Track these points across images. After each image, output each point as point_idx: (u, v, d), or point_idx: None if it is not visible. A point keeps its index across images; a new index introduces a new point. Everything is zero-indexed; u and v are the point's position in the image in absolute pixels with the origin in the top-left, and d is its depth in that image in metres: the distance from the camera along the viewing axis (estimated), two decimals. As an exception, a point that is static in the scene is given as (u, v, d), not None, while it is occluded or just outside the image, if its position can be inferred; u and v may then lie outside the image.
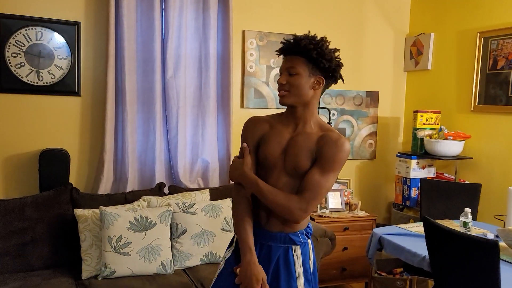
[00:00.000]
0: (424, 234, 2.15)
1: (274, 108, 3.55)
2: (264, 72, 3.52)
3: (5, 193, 2.85)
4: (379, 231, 2.59)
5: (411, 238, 2.48)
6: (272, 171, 1.64)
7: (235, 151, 3.41)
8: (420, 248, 2.28)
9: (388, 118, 4.04)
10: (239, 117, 3.46)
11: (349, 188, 3.68)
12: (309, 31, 1.64)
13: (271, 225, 1.65)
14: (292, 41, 1.60)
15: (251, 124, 1.71)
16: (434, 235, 2.04)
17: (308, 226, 1.71)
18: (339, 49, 1.67)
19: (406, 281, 2.87)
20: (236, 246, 1.69)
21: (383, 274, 3.36)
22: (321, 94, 1.68)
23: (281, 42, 1.65)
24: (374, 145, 4.00)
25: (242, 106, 3.50)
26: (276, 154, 1.63)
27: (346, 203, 3.51)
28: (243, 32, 3.44)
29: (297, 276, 1.63)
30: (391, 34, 3.98)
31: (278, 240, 1.64)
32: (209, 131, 3.30)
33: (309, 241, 1.72)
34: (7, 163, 2.85)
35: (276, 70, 3.56)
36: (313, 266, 1.72)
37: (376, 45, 3.93)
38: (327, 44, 1.61)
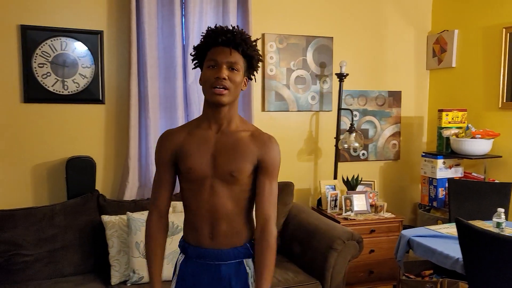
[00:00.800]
0: (455, 236, 2.10)
1: (295, 110, 3.54)
2: (284, 74, 3.50)
3: (34, 201, 2.90)
4: (408, 233, 2.54)
5: (442, 240, 2.42)
6: (203, 182, 1.45)
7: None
8: (453, 250, 2.22)
9: (411, 117, 3.98)
10: (260, 121, 3.45)
11: (374, 189, 3.63)
12: (233, 26, 1.47)
13: (217, 242, 1.47)
14: (236, 33, 1.42)
15: (161, 141, 1.50)
16: (467, 236, 1.99)
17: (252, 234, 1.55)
18: (257, 38, 1.58)
19: (437, 283, 2.80)
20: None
21: (411, 276, 3.30)
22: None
23: (219, 31, 1.42)
24: (398, 146, 3.94)
25: (263, 109, 3.49)
26: (203, 163, 1.44)
27: (371, 205, 3.46)
28: (263, 35, 3.44)
29: None
30: (412, 32, 3.92)
31: (227, 257, 1.47)
32: (231, 135, 3.30)
33: None
34: (35, 172, 2.90)
35: (297, 73, 3.54)
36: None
37: (397, 44, 3.87)
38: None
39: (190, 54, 1.54)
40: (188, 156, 1.45)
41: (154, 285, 1.48)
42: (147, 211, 2.68)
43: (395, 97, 3.89)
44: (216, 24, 1.51)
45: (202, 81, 1.45)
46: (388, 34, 3.84)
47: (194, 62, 1.52)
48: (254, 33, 3.33)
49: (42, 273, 2.49)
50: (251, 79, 1.54)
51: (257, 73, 1.55)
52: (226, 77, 1.39)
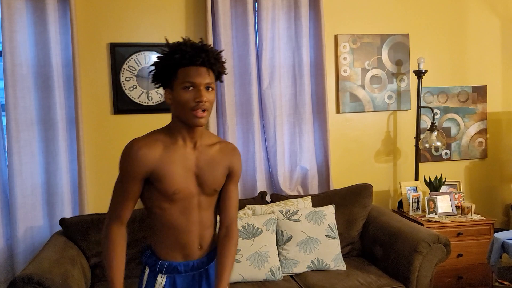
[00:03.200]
0: (558, 238, 1.93)
1: (371, 111, 3.46)
2: (359, 75, 3.45)
3: (125, 205, 3.12)
4: (502, 235, 2.38)
5: (541, 243, 2.24)
6: (190, 201, 1.48)
7: (333, 157, 3.38)
8: (554, 253, 2.04)
9: (499, 113, 3.71)
10: (335, 123, 3.43)
11: (459, 190, 3.43)
12: (201, 41, 1.45)
13: (204, 251, 1.56)
14: (209, 51, 1.40)
15: (134, 154, 1.42)
16: None
17: None
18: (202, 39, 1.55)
19: (536, 291, 2.59)
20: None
21: (505, 283, 3.07)
22: None
23: (195, 50, 1.39)
24: (485, 144, 3.69)
25: (338, 111, 3.46)
26: (188, 183, 1.46)
27: (457, 207, 3.28)
28: (335, 36, 3.42)
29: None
30: (496, 21, 3.66)
31: (211, 259, 1.59)
32: (306, 138, 3.31)
33: None
34: (125, 178, 3.12)
35: (372, 72, 3.47)
36: None
37: (480, 35, 3.64)
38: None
39: (150, 72, 1.51)
40: (172, 177, 1.43)
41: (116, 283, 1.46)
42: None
43: (479, 92, 3.66)
44: (185, 39, 1.45)
45: (178, 104, 1.41)
46: (470, 25, 3.62)
47: (155, 82, 1.48)
48: (326, 35, 3.32)
49: (135, 272, 2.67)
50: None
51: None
52: (206, 100, 1.39)
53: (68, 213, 2.94)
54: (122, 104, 3.08)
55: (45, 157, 2.94)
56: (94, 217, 2.73)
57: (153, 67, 1.48)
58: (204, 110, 1.39)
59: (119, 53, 3.05)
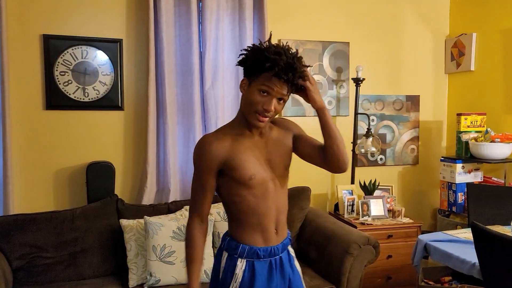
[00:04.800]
0: (473, 240, 2.06)
1: (312, 115, 3.54)
2: (300, 80, 3.51)
3: (56, 205, 2.99)
4: (425, 237, 2.51)
5: (459, 244, 2.39)
6: (266, 185, 1.55)
7: (274, 159, 3.42)
8: (469, 255, 2.19)
9: (430, 122, 3.94)
10: (277, 126, 3.47)
11: (392, 194, 3.59)
12: (282, 41, 1.48)
13: (280, 236, 1.61)
14: (297, 69, 1.44)
15: (206, 148, 1.50)
16: (483, 241, 1.96)
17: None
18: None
19: (456, 290, 2.75)
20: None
21: (430, 282, 3.25)
22: None
23: (286, 67, 1.42)
24: (417, 150, 3.90)
25: (279, 115, 3.50)
26: (262, 168, 1.55)
27: (389, 210, 3.43)
28: (279, 41, 3.47)
29: (298, 270, 1.69)
30: (430, 36, 3.88)
31: (284, 247, 1.64)
32: (247, 140, 3.32)
33: None
34: (57, 176, 2.99)
35: (315, 78, 3.55)
36: None
37: (415, 48, 3.85)
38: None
39: (244, 59, 1.51)
40: (245, 164, 1.51)
41: (192, 283, 1.53)
42: (164, 215, 2.74)
43: (413, 102, 3.86)
44: (283, 45, 1.48)
45: (247, 100, 1.49)
46: (406, 38, 3.82)
47: (240, 65, 1.53)
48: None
49: (62, 275, 2.56)
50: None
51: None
52: (273, 110, 1.47)
53: (-10, 213, 2.76)
54: (56, 99, 2.94)
55: (-33, 153, 2.75)
56: (18, 218, 2.58)
57: (243, 55, 1.52)
58: (267, 117, 1.48)
59: (53, 46, 2.91)
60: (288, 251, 1.67)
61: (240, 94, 3.29)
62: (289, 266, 1.64)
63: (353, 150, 3.56)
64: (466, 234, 2.56)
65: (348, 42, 3.64)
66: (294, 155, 1.66)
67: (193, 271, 1.54)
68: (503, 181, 3.29)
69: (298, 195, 3.18)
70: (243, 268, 1.55)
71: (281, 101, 1.49)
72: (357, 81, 3.49)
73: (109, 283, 2.56)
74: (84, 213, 2.72)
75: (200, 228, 1.57)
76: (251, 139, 1.56)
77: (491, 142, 3.18)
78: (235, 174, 1.50)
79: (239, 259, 1.55)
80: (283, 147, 1.60)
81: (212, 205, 2.94)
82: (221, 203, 2.96)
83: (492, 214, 2.93)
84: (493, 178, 3.37)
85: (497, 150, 3.16)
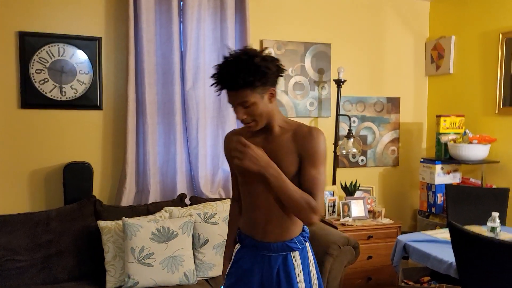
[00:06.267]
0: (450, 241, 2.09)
1: (294, 116, 3.54)
2: (282, 81, 3.51)
3: (31, 206, 2.91)
4: (404, 238, 2.53)
5: (437, 244, 2.41)
6: (254, 184, 1.59)
7: (255, 160, 3.40)
8: (447, 254, 2.21)
9: (410, 123, 3.98)
10: (258, 126, 3.46)
11: (372, 195, 3.62)
12: (234, 54, 1.47)
13: (268, 237, 1.63)
14: (230, 76, 1.46)
15: (226, 140, 1.73)
16: (460, 240, 1.97)
17: (304, 230, 1.69)
18: (266, 47, 1.60)
19: (434, 289, 2.78)
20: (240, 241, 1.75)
21: (410, 283, 3.27)
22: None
23: (216, 77, 1.49)
24: (397, 152, 3.93)
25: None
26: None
27: (369, 211, 3.45)
28: (261, 41, 3.46)
29: (298, 281, 1.61)
30: (411, 39, 3.93)
31: (276, 250, 1.62)
32: (229, 141, 3.30)
33: (307, 244, 1.70)
34: (33, 177, 2.91)
35: (295, 79, 3.55)
36: (315, 268, 1.70)
37: (396, 50, 3.88)
38: (258, 54, 1.48)
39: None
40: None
41: (226, 247, 1.83)
42: (143, 216, 2.70)
43: (393, 103, 3.89)
44: (224, 59, 1.49)
45: None
46: (387, 40, 3.85)
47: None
48: (252, 40, 3.35)
49: (36, 279, 2.48)
50: (277, 79, 1.54)
51: (282, 76, 1.56)
52: (245, 116, 1.50)
53: (-38, 215, 2.67)
54: (31, 98, 2.87)
55: None
56: (-9, 219, 2.50)
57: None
58: (251, 122, 1.52)
59: (29, 43, 2.84)
60: (289, 258, 1.62)
61: (222, 95, 3.30)
62: (284, 270, 1.61)
63: (335, 151, 3.57)
64: (444, 234, 2.58)
65: (330, 44, 3.65)
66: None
67: (228, 243, 1.83)
68: (480, 182, 3.34)
69: (279, 196, 3.16)
70: (236, 249, 1.74)
71: (248, 107, 1.48)
72: (339, 83, 3.51)
73: (84, 286, 2.50)
74: (60, 214, 2.66)
75: (233, 208, 1.86)
76: (256, 139, 1.60)
77: (469, 143, 3.22)
78: (234, 167, 1.67)
79: (238, 244, 1.75)
80: (283, 156, 1.55)
81: (192, 206, 2.92)
82: (202, 205, 2.94)
83: (470, 214, 2.98)
84: (471, 179, 3.42)
85: (475, 151, 3.20)
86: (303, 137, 1.55)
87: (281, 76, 1.56)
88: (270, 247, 1.62)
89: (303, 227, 1.69)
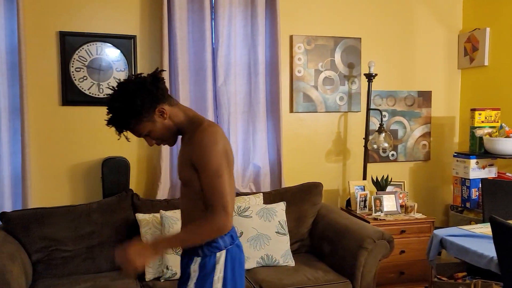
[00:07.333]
0: (489, 235, 2.06)
1: (323, 111, 3.55)
2: (312, 76, 3.52)
3: (72, 200, 3.02)
4: (441, 232, 2.51)
5: (475, 239, 2.38)
6: (180, 187, 1.69)
7: (285, 155, 3.44)
8: (487, 249, 2.18)
9: (442, 117, 3.92)
10: (288, 122, 3.48)
11: (404, 190, 3.59)
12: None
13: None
14: (109, 126, 1.55)
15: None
16: (502, 234, 1.95)
17: (215, 241, 1.56)
18: (158, 68, 1.65)
19: (470, 285, 2.75)
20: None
21: (443, 278, 3.24)
22: (167, 99, 1.57)
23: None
24: (428, 146, 3.89)
25: (291, 110, 3.52)
26: (178, 172, 1.65)
27: (401, 206, 3.43)
28: (291, 37, 3.47)
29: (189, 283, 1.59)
30: (443, 31, 3.87)
31: (188, 254, 1.61)
32: (259, 136, 3.34)
33: (221, 256, 1.58)
34: (73, 171, 3.02)
35: (325, 74, 3.56)
36: (223, 285, 1.58)
37: (427, 43, 3.83)
38: (120, 94, 1.50)
39: None
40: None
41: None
42: (179, 210, 2.76)
43: (425, 97, 3.85)
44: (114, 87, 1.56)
45: None
46: (418, 33, 3.80)
47: None
48: (282, 35, 3.37)
49: (80, 268, 2.59)
50: (158, 90, 1.53)
51: (157, 93, 1.53)
52: (153, 141, 1.60)
53: (8, 207, 2.80)
54: (72, 95, 2.98)
55: (-15, 148, 2.79)
56: (37, 211, 2.62)
57: None
58: (161, 143, 1.62)
59: (69, 43, 2.94)
60: (190, 261, 1.61)
61: (253, 90, 3.33)
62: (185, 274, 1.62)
63: (365, 146, 3.56)
64: (482, 229, 2.55)
65: (360, 38, 3.64)
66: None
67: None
68: (517, 177, 3.27)
69: (310, 191, 3.19)
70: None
71: (148, 135, 1.57)
72: (369, 77, 3.49)
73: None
74: (100, 207, 2.76)
75: None
76: (182, 144, 1.62)
77: (505, 137, 3.16)
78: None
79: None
80: (182, 160, 1.57)
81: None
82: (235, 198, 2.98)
83: (507, 209, 2.92)
84: (507, 174, 3.36)
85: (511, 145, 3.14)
86: (190, 144, 1.54)
87: (157, 94, 1.52)
88: (186, 253, 1.63)
89: (218, 239, 1.57)
